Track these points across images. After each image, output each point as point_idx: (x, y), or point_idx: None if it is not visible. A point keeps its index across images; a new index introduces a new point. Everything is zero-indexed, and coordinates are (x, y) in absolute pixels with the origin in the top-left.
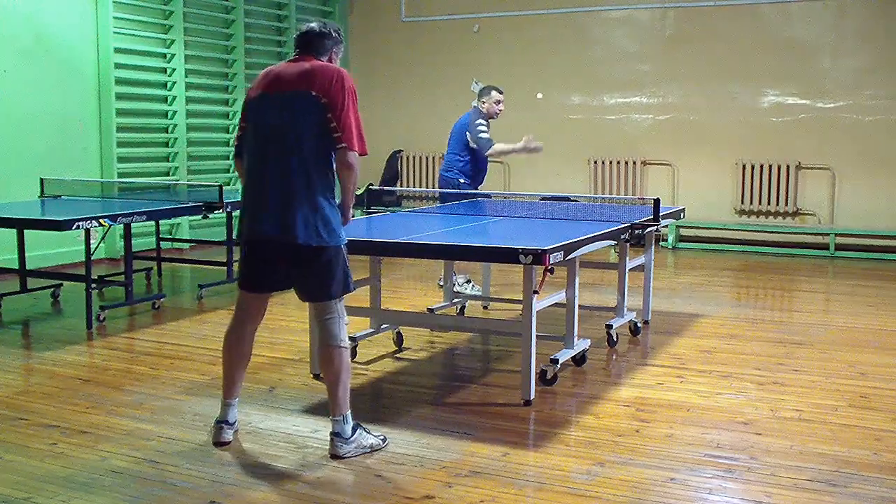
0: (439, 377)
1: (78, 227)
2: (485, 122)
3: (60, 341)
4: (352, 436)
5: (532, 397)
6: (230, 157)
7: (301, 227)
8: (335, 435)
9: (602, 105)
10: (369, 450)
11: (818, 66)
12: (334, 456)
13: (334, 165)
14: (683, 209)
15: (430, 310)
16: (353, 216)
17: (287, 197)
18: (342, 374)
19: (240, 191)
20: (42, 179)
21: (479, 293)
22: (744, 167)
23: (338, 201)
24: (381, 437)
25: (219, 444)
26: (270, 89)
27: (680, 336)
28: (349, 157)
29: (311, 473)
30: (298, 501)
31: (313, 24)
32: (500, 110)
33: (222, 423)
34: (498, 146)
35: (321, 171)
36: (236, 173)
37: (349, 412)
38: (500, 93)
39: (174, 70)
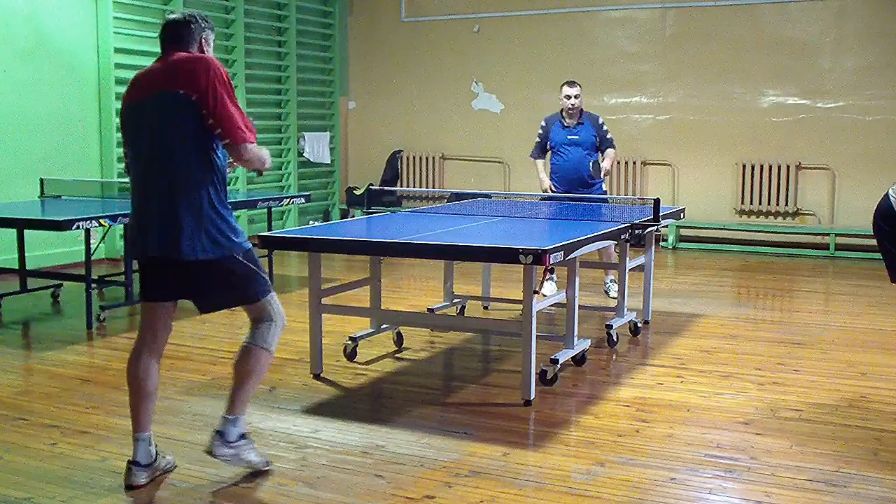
0: (439, 377)
1: (78, 227)
2: (542, 126)
3: (60, 341)
4: (235, 441)
5: (532, 397)
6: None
7: (186, 242)
8: (218, 433)
9: (602, 105)
10: (246, 465)
11: (818, 66)
12: (209, 453)
13: (218, 164)
14: (683, 209)
15: (430, 310)
16: (354, 216)
17: (168, 211)
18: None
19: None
20: (42, 179)
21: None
22: (744, 167)
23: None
24: (265, 462)
25: (129, 486)
26: (132, 97)
27: (680, 336)
28: (243, 153)
29: (311, 473)
30: (298, 501)
31: (176, 14)
32: (569, 105)
33: (132, 463)
34: (537, 162)
35: (202, 179)
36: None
37: (242, 418)
38: (567, 85)
39: None
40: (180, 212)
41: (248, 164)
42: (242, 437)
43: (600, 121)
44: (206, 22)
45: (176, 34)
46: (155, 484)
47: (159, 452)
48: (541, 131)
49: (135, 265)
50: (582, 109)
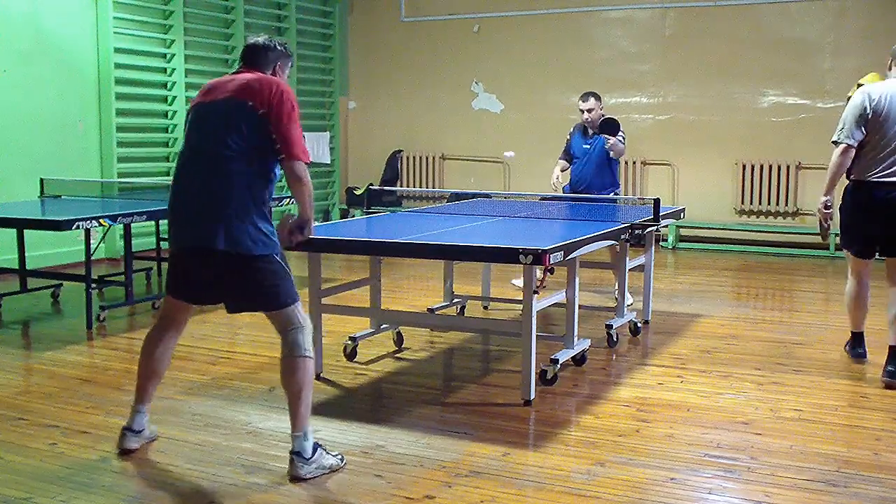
0: (439, 377)
1: (78, 227)
2: (569, 132)
3: (60, 341)
4: (312, 455)
5: (532, 397)
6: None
7: (223, 235)
8: (295, 454)
9: (602, 105)
10: (328, 471)
11: (818, 66)
12: (294, 478)
13: (269, 176)
14: (683, 209)
15: (430, 310)
16: (354, 216)
17: (212, 206)
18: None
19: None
20: (42, 179)
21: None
22: (744, 167)
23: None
24: (340, 457)
25: (123, 451)
26: (203, 100)
27: (680, 336)
28: (296, 169)
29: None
30: (298, 501)
31: (259, 38)
32: (585, 118)
33: (127, 429)
34: (559, 161)
35: (252, 181)
36: None
37: (310, 428)
38: (581, 99)
39: (174, 70)
40: (224, 207)
41: (296, 182)
42: (316, 446)
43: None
44: (285, 50)
45: (253, 56)
46: (154, 483)
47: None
48: (568, 137)
49: (135, 260)
50: (602, 118)
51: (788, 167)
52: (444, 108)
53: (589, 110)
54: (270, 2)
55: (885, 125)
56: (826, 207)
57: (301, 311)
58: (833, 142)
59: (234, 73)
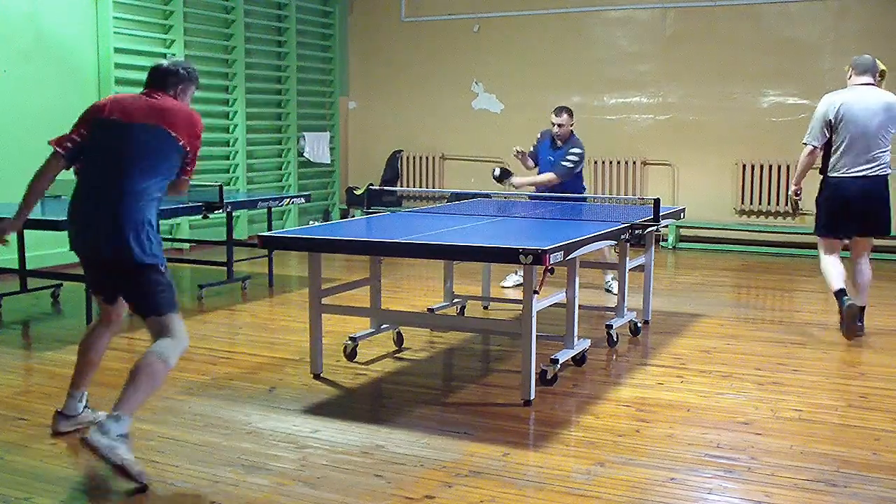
0: (439, 377)
1: None
2: (537, 137)
3: (60, 341)
4: (116, 435)
5: (532, 397)
6: (231, 158)
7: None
8: (99, 424)
9: (602, 105)
10: (120, 462)
11: (818, 66)
12: (84, 440)
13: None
14: (683, 209)
15: (430, 310)
16: (354, 216)
17: (117, 219)
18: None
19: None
20: None
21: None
22: (744, 167)
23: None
24: (141, 474)
25: (54, 433)
26: (117, 116)
27: (680, 336)
28: (187, 182)
29: (311, 473)
30: (298, 501)
31: (164, 62)
32: (556, 131)
33: (58, 413)
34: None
35: (156, 197)
36: (45, 172)
37: (129, 419)
38: (554, 113)
39: None
40: (132, 221)
41: (182, 191)
42: (125, 436)
43: (572, 149)
44: (189, 75)
45: (160, 79)
46: (154, 483)
47: (88, 407)
48: (535, 142)
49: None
50: (572, 134)
51: (788, 167)
52: (444, 108)
53: (560, 125)
54: (270, 2)
55: (846, 127)
56: (796, 194)
57: (179, 322)
58: (803, 143)
59: (143, 94)
